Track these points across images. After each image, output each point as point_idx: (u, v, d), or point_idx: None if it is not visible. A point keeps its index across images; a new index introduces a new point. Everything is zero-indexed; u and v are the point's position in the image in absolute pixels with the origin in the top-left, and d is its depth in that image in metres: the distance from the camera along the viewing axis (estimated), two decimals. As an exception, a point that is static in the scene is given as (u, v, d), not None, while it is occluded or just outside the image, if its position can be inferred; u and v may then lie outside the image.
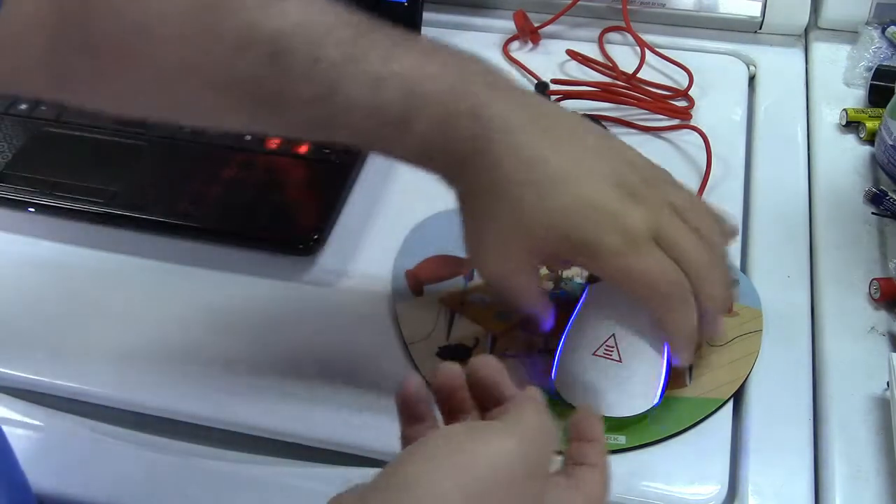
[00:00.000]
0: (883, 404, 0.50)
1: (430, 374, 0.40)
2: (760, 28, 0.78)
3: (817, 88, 0.72)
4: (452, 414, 0.40)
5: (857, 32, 0.75)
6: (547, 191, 0.44)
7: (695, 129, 0.67)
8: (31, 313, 0.58)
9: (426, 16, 0.74)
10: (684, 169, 0.65)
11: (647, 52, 0.75)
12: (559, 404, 0.49)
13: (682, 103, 0.71)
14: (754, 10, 0.77)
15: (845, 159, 0.66)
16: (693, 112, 0.70)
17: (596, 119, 0.68)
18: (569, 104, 0.69)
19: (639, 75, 0.73)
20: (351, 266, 0.60)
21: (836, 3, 0.76)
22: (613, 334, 0.49)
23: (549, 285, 0.56)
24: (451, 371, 0.39)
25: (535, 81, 0.73)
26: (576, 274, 0.56)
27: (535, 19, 0.78)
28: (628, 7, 0.77)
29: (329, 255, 0.61)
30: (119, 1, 0.45)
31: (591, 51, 0.76)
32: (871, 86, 0.69)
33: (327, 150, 0.65)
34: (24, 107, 0.70)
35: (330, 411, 0.52)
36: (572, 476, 0.36)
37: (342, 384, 0.53)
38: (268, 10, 0.44)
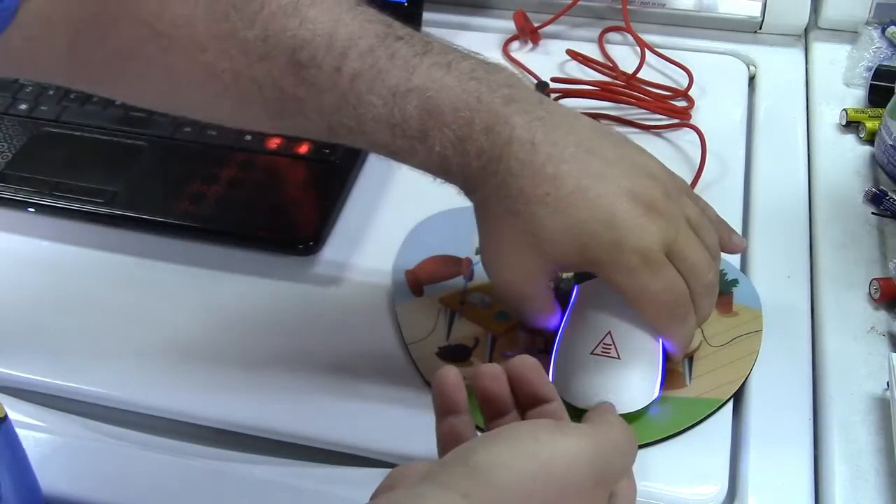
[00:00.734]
0: (883, 404, 0.50)
1: (437, 375, 0.40)
2: (760, 28, 0.78)
3: (817, 88, 0.72)
4: (493, 414, 0.41)
5: (857, 32, 0.75)
6: (565, 205, 0.43)
7: (694, 128, 0.67)
8: (31, 313, 0.58)
9: (426, 16, 0.74)
10: (684, 169, 0.65)
11: (647, 52, 0.75)
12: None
13: (681, 103, 0.71)
14: (754, 10, 0.77)
15: (845, 159, 0.66)
16: (693, 112, 0.70)
17: (596, 118, 0.68)
18: (568, 103, 0.69)
19: (639, 75, 0.73)
20: (351, 266, 0.60)
21: (836, 3, 0.76)
22: (610, 332, 0.49)
23: (550, 285, 0.56)
24: (492, 370, 0.40)
25: (535, 81, 0.73)
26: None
27: (535, 19, 0.78)
28: (628, 7, 0.77)
29: (329, 256, 0.61)
30: (137, 8, 0.44)
31: (591, 51, 0.76)
32: (871, 86, 0.69)
33: (327, 150, 0.65)
34: (24, 107, 0.70)
35: (330, 411, 0.52)
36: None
37: (342, 384, 0.53)
38: (289, 19, 0.44)
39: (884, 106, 0.65)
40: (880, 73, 0.69)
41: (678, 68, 0.73)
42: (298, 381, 0.53)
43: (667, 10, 0.78)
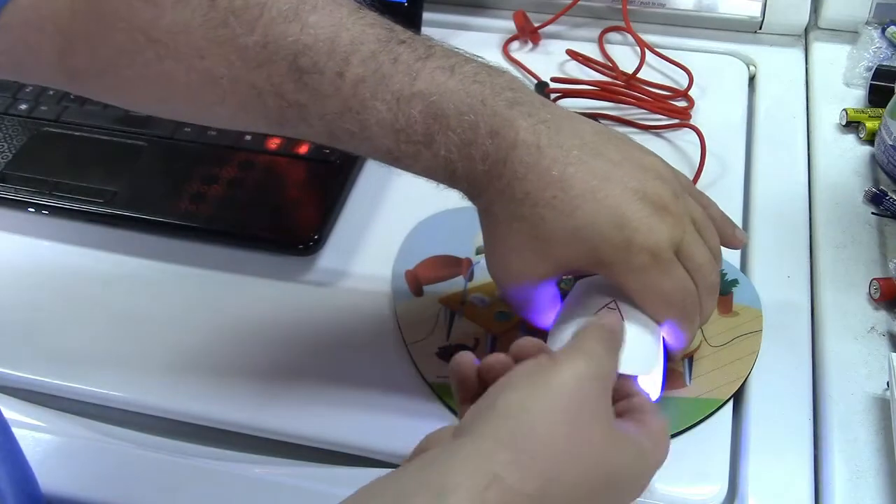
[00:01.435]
0: (883, 404, 0.50)
1: (453, 361, 0.41)
2: (760, 28, 0.78)
3: (817, 88, 0.72)
4: None
5: (856, 32, 0.75)
6: (572, 208, 0.43)
7: (694, 128, 0.67)
8: (31, 313, 0.58)
9: (426, 16, 0.74)
10: (684, 169, 0.64)
11: (647, 52, 0.75)
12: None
13: (681, 103, 0.71)
14: (754, 10, 0.77)
15: (845, 159, 0.66)
16: (693, 112, 0.70)
17: (595, 118, 0.68)
18: (568, 103, 0.70)
19: (639, 75, 0.73)
20: (351, 266, 0.60)
21: (836, 3, 0.76)
22: (615, 299, 0.48)
23: (555, 286, 0.56)
24: (501, 359, 0.40)
25: (535, 81, 0.73)
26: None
27: (535, 19, 0.78)
28: (628, 7, 0.77)
29: (329, 256, 0.61)
30: (131, 16, 0.44)
31: (591, 51, 0.76)
32: (871, 86, 0.69)
33: (327, 150, 0.65)
34: (24, 107, 0.70)
35: (330, 411, 0.52)
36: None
37: (342, 384, 0.53)
38: (289, 25, 0.43)
39: (884, 106, 0.65)
40: (880, 73, 0.69)
41: (678, 68, 0.73)
42: (298, 381, 0.53)
43: (667, 10, 0.78)
